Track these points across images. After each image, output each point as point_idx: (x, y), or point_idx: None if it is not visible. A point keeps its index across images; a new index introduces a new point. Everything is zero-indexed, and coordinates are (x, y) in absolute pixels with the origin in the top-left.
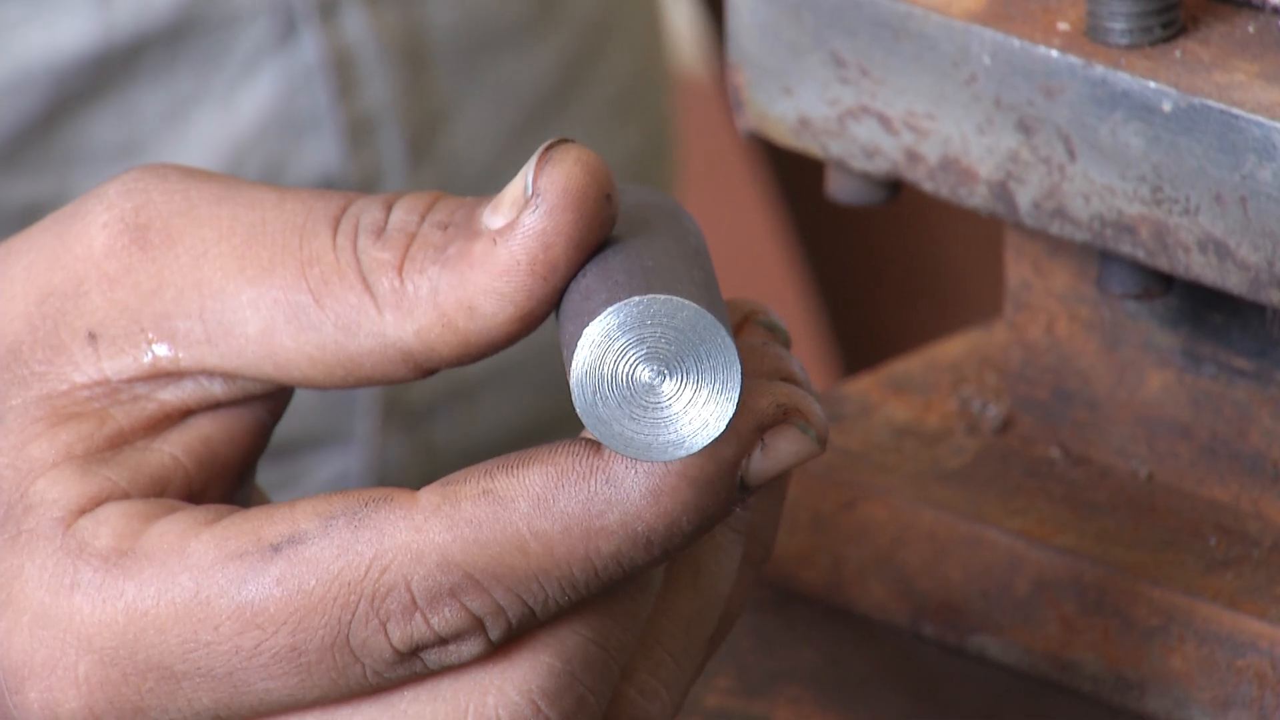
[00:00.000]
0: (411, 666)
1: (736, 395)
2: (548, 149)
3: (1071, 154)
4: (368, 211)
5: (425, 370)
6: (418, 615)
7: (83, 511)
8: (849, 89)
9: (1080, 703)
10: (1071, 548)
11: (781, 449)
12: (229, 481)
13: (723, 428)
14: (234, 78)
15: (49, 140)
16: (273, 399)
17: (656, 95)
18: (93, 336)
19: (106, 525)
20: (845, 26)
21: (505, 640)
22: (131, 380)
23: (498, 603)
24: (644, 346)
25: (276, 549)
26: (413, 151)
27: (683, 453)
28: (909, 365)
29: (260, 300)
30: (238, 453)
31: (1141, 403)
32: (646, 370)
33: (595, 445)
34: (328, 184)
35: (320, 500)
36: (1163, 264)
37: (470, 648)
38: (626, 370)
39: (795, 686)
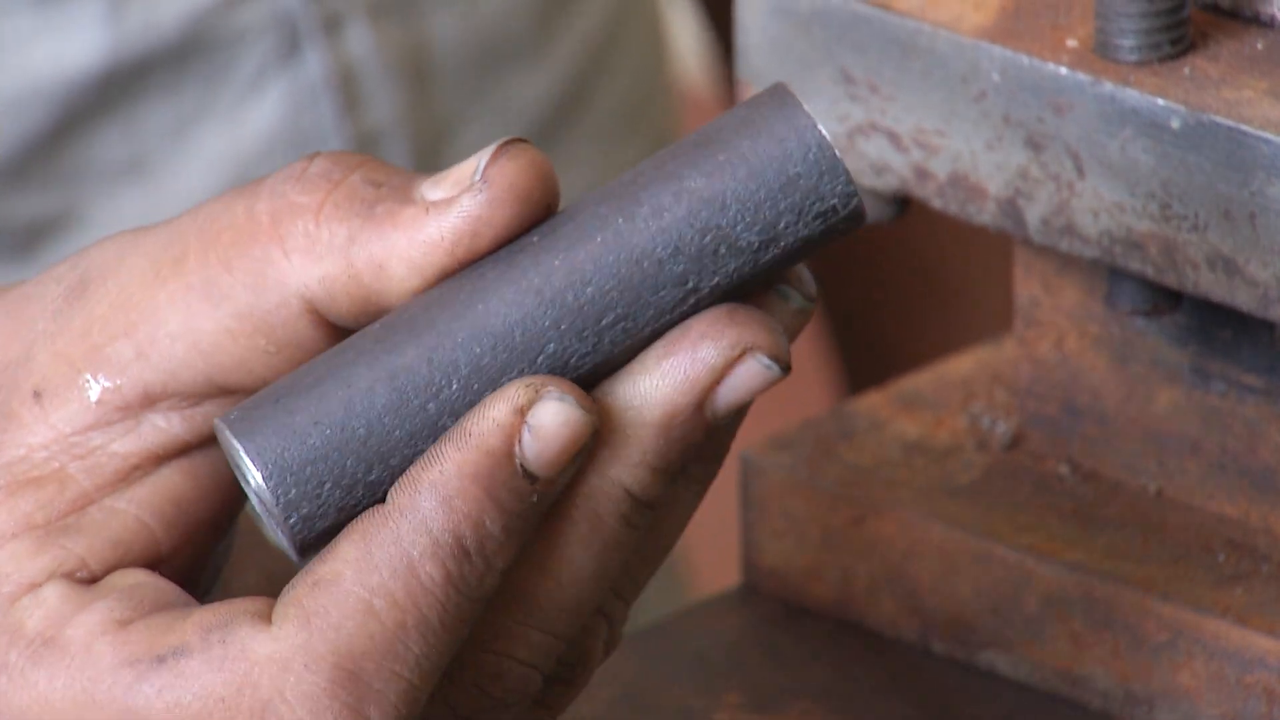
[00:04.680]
0: None
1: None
2: (507, 143)
3: (1080, 171)
4: (288, 166)
5: (325, 324)
6: None
7: (32, 587)
8: (858, 105)
9: (1090, 718)
10: (1081, 563)
11: (739, 381)
12: (202, 537)
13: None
14: (240, 94)
15: (56, 156)
16: None
17: (661, 110)
18: (38, 394)
19: (41, 608)
20: (855, 43)
21: None
22: (84, 430)
23: (374, 688)
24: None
25: (162, 660)
26: (418, 167)
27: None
28: (919, 381)
29: (175, 292)
30: (210, 508)
31: (1151, 419)
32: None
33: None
34: None
35: (210, 610)
36: (1171, 280)
37: None
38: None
39: (805, 701)
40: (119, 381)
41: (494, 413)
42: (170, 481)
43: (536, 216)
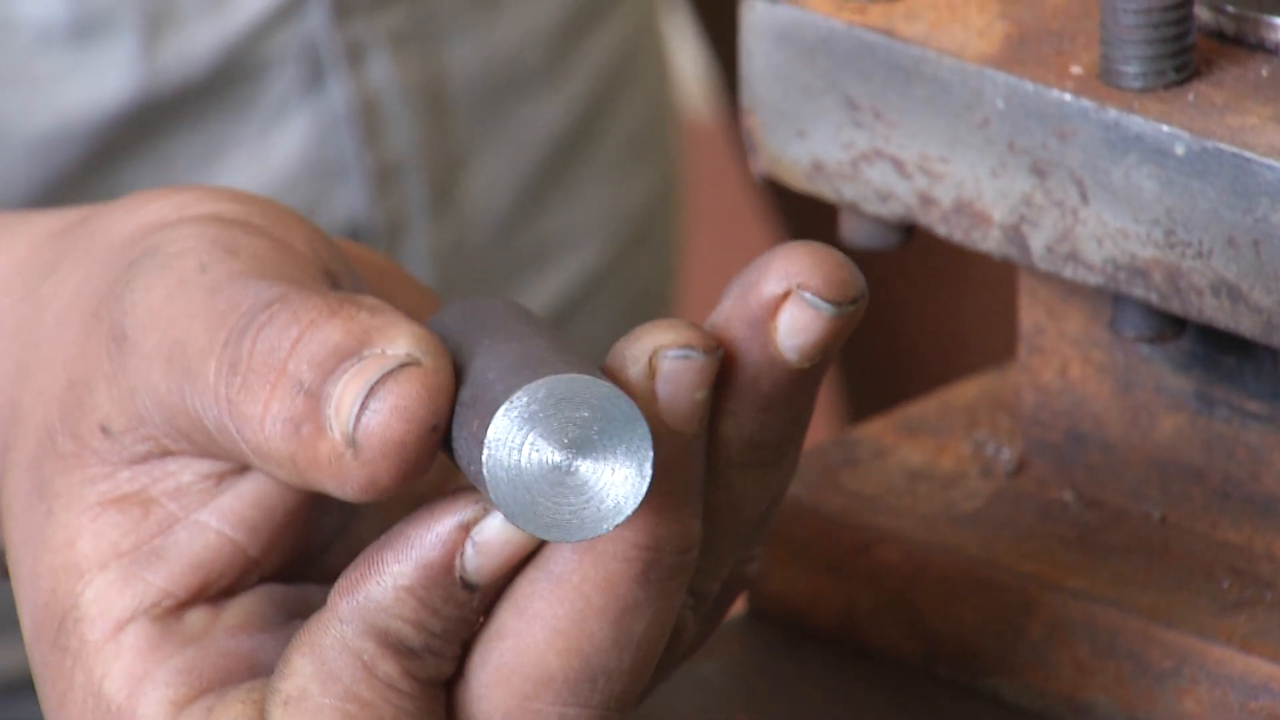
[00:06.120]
0: None
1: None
2: (373, 389)
3: (1085, 197)
4: (237, 343)
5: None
6: None
7: (117, 628)
8: (862, 132)
9: None
10: (1085, 590)
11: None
12: (296, 527)
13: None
14: (264, 125)
15: (86, 191)
16: None
17: (667, 140)
18: (105, 430)
19: (119, 661)
20: (859, 70)
21: None
22: (157, 459)
23: None
24: (554, 429)
25: None
26: (434, 197)
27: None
28: (923, 408)
29: (197, 423)
30: (297, 495)
31: (1155, 445)
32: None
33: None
34: (355, 230)
35: (224, 711)
36: (1175, 307)
37: None
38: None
39: None
40: (182, 445)
41: (439, 526)
42: (254, 483)
43: (420, 449)
